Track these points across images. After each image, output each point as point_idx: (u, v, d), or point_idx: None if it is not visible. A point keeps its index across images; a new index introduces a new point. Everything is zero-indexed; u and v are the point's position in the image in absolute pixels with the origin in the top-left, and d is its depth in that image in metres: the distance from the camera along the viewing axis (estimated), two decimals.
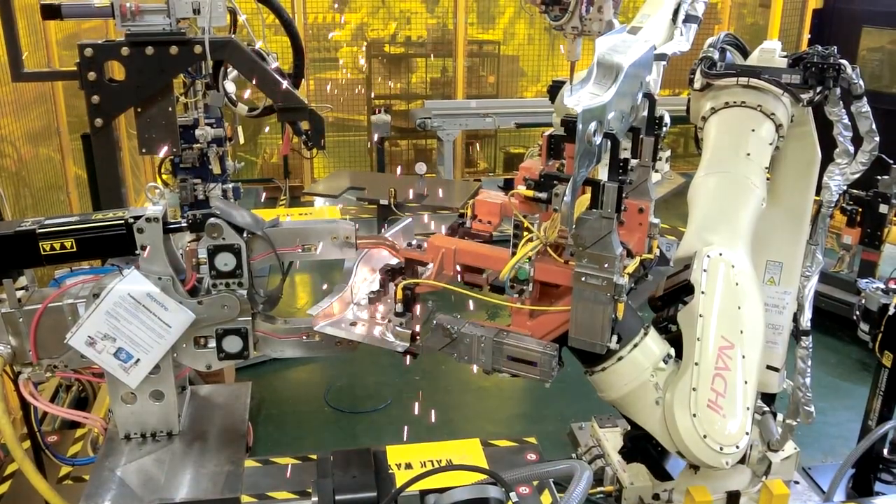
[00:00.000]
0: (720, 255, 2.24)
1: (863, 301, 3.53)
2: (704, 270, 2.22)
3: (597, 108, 1.71)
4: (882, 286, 3.49)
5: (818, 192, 2.73)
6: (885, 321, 3.34)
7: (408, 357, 2.08)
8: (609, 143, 1.76)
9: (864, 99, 2.57)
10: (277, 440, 4.07)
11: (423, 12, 8.44)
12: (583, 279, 1.80)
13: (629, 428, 3.33)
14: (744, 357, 2.15)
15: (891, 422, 3.28)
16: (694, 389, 2.08)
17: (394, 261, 2.11)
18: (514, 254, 1.88)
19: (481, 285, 2.05)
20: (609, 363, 2.09)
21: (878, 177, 4.82)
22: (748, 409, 2.13)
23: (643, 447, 2.56)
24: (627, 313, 1.90)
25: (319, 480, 2.20)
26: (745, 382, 2.14)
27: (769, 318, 2.77)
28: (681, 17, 2.92)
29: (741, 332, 2.17)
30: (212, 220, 1.85)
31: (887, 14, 7.05)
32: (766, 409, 3.02)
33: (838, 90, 2.56)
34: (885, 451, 3.50)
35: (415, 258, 2.04)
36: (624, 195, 1.90)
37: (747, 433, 2.11)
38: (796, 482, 3.37)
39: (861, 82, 2.57)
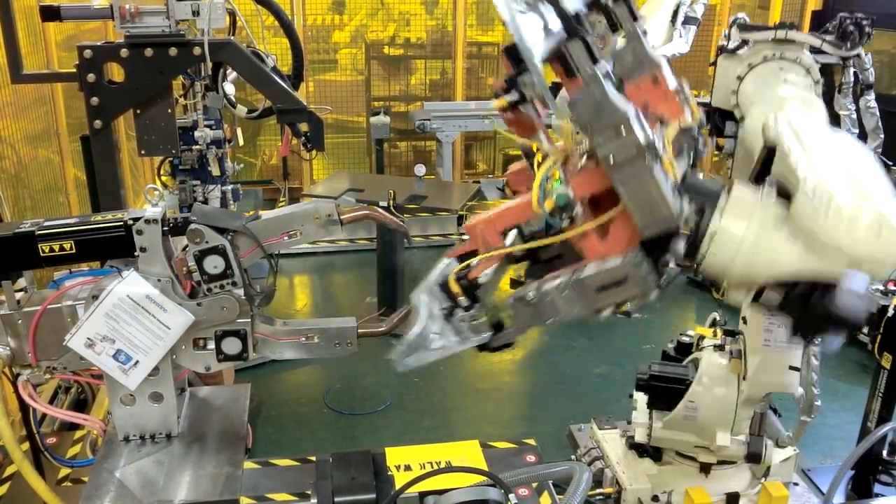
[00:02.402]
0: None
1: None
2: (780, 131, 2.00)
3: None
4: (881, 288, 3.49)
5: None
6: (883, 323, 3.34)
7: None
8: None
9: (873, 92, 2.59)
10: (277, 442, 4.06)
11: (422, 14, 8.45)
12: (611, 160, 1.57)
13: (629, 430, 3.35)
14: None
15: (890, 423, 3.28)
16: (817, 185, 1.75)
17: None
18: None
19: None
20: (705, 244, 1.85)
21: None
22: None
23: (816, 304, 1.93)
24: (692, 179, 1.69)
25: (318, 482, 2.20)
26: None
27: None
28: (680, 18, 2.93)
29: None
30: (192, 226, 1.84)
31: (887, 16, 7.06)
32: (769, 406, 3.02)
33: (851, 80, 2.58)
34: (885, 453, 3.51)
35: (465, 251, 1.90)
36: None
37: None
38: (795, 484, 3.37)
39: (873, 71, 2.59)
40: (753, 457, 2.94)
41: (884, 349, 3.37)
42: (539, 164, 1.72)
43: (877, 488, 3.47)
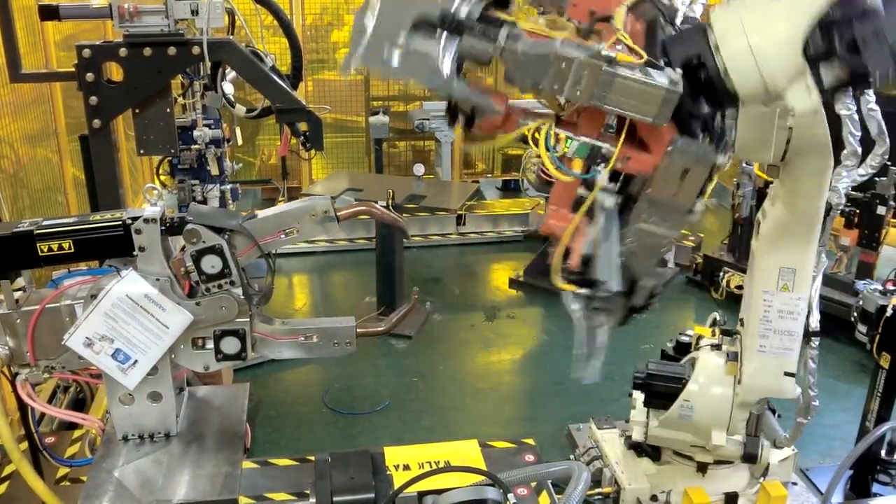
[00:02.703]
0: None
1: (860, 302, 3.54)
2: None
3: None
4: (880, 287, 3.49)
5: None
6: (882, 322, 3.35)
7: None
8: None
9: (872, 92, 2.53)
10: (275, 441, 4.06)
11: None
12: (577, 92, 1.57)
13: (627, 430, 3.35)
14: None
15: (888, 423, 3.29)
16: None
17: None
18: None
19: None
20: (719, 62, 1.72)
21: (876, 178, 4.83)
22: None
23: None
24: (668, 38, 1.66)
25: (317, 482, 2.20)
26: None
27: (783, 325, 2.76)
28: (679, 19, 2.92)
29: None
30: (188, 226, 1.84)
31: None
32: (767, 407, 3.03)
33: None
34: (883, 453, 3.51)
35: (561, 250, 1.88)
36: None
37: None
38: (794, 483, 3.37)
39: None
40: (749, 457, 2.94)
41: (882, 349, 3.37)
42: (535, 141, 1.72)
43: (875, 488, 3.47)
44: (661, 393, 3.04)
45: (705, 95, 1.68)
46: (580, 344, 1.84)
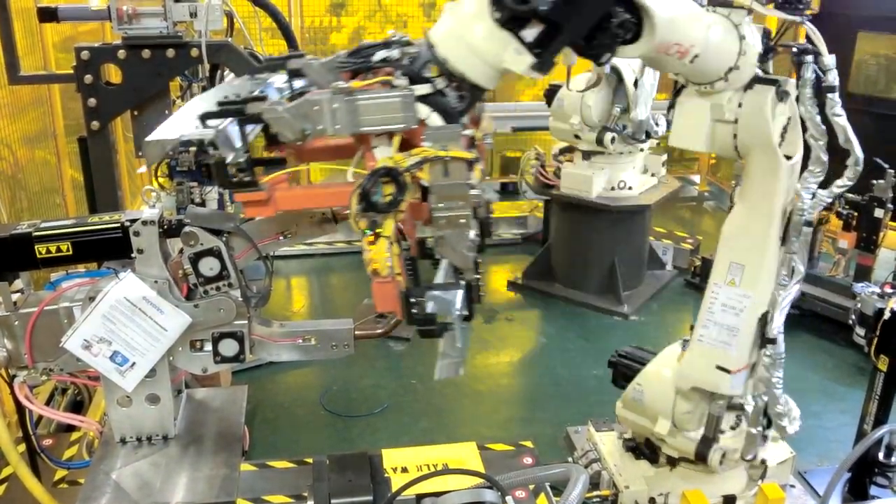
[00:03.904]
0: None
1: (858, 305, 3.54)
2: None
3: None
4: (877, 290, 3.50)
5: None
6: (880, 325, 3.35)
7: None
8: None
9: (837, 94, 2.48)
10: (273, 444, 4.06)
11: (419, 16, 8.45)
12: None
13: (626, 432, 3.35)
14: None
15: (886, 426, 3.29)
16: None
17: None
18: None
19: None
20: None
21: (874, 181, 4.84)
22: None
23: None
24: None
25: (315, 484, 2.20)
26: None
27: (724, 319, 2.77)
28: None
29: None
30: (185, 228, 1.84)
31: (883, 19, 7.08)
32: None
33: (810, 77, 2.49)
34: (881, 456, 3.51)
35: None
36: None
37: None
38: (792, 486, 3.37)
39: (836, 74, 2.50)
40: (699, 456, 2.95)
41: (880, 351, 3.38)
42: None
43: (873, 490, 3.47)
44: (624, 374, 3.14)
45: (459, 95, 1.82)
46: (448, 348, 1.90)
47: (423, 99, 1.77)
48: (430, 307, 1.82)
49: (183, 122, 1.82)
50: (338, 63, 1.88)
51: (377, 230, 1.76)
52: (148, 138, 1.78)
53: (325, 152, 2.09)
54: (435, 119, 1.77)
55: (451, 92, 1.81)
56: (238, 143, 1.81)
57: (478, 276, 1.91)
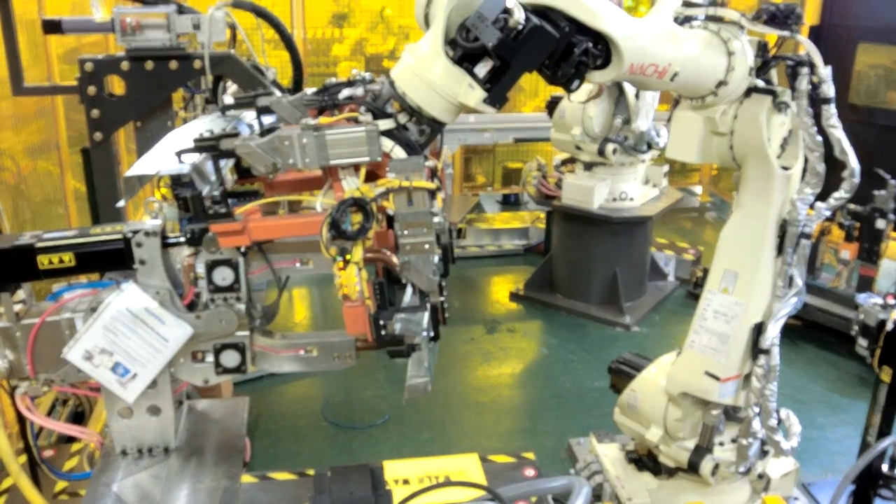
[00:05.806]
0: None
1: (861, 316, 3.53)
2: None
3: None
4: (880, 301, 3.49)
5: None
6: (883, 336, 3.34)
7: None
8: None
9: (832, 105, 2.47)
10: (274, 455, 4.05)
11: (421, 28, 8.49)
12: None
13: (628, 444, 3.34)
14: None
15: (890, 437, 3.27)
16: None
17: None
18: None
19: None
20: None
21: (875, 192, 4.84)
22: None
23: None
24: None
25: (316, 496, 2.19)
26: None
27: (715, 326, 2.77)
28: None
29: None
30: (209, 234, 1.85)
31: (884, 30, 7.10)
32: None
33: (805, 87, 2.48)
34: (885, 468, 3.49)
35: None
36: None
37: None
38: (795, 499, 3.35)
39: (832, 84, 2.48)
40: (692, 466, 2.94)
41: (883, 363, 3.36)
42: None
43: (877, 503, 3.45)
44: (622, 378, 3.18)
45: (420, 129, 1.94)
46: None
47: (386, 133, 1.88)
48: (397, 329, 1.90)
49: (160, 157, 1.88)
50: (305, 101, 1.96)
51: (347, 256, 1.85)
52: (127, 173, 1.85)
53: (294, 184, 2.19)
54: (398, 152, 1.87)
55: (412, 126, 1.93)
56: (213, 177, 1.89)
57: (442, 299, 1.99)
